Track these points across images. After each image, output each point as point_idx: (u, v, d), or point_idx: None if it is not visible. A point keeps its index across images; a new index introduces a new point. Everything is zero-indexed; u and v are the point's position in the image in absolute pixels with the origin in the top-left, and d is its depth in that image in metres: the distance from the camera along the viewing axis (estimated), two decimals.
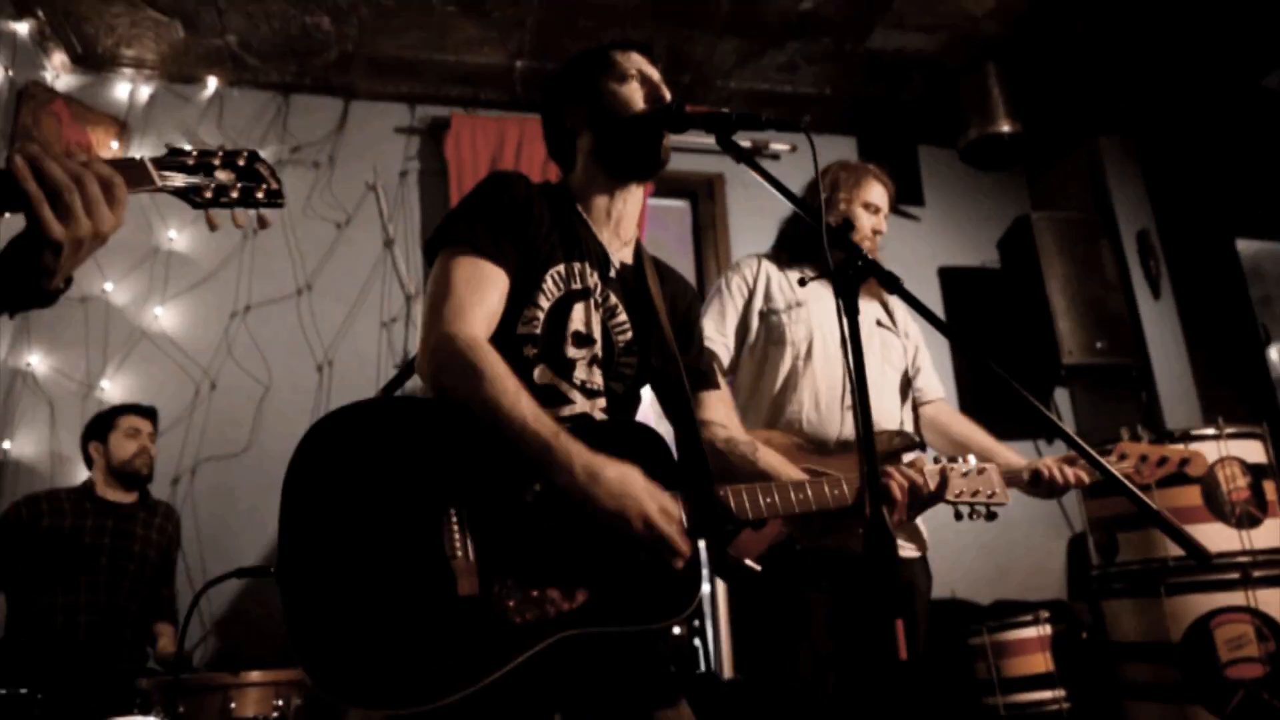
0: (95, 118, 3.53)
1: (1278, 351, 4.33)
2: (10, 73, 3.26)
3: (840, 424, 2.06)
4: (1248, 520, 2.96)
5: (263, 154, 0.99)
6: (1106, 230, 4.14)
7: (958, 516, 1.48)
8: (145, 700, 2.36)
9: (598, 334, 1.39)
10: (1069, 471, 1.88)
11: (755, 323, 2.18)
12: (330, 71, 3.75)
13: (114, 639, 2.77)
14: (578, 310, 1.38)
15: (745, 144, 3.99)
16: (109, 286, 3.45)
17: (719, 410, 1.55)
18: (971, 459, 1.49)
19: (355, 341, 3.63)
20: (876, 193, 2.24)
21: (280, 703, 2.40)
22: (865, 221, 2.22)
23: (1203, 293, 4.18)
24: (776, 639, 1.95)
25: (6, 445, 3.20)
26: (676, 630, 2.86)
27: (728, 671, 3.29)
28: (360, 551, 1.10)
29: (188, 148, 0.97)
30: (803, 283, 2.10)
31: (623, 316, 1.43)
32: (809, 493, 1.34)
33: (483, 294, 1.28)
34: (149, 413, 3.02)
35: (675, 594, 1.20)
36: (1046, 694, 3.12)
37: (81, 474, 3.02)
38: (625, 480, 1.15)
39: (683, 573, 1.21)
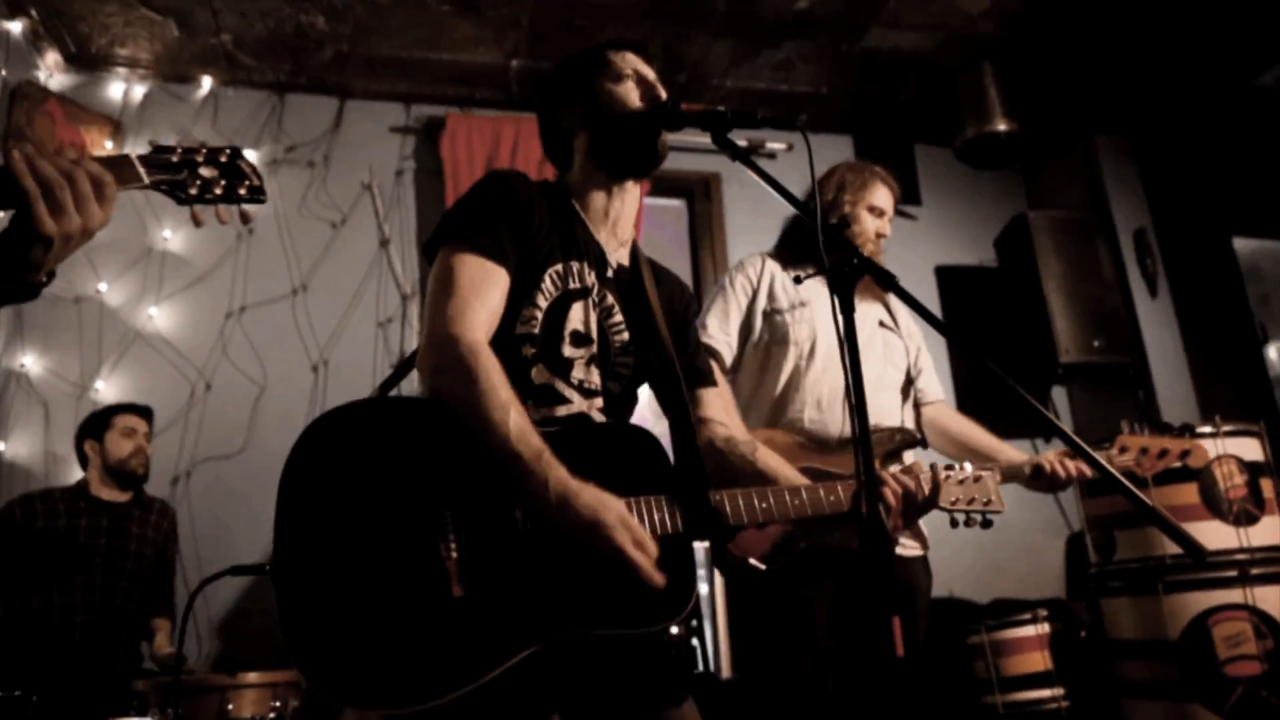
0: (89, 117, 3.51)
1: (1276, 350, 4.34)
2: (3, 72, 3.24)
3: (842, 423, 2.06)
4: (1245, 518, 2.96)
5: (258, 154, 1.00)
6: (1103, 229, 4.14)
7: (953, 524, 1.48)
8: (142, 702, 2.35)
9: (595, 334, 1.39)
10: (1070, 465, 1.89)
11: (759, 322, 2.17)
12: (325, 71, 3.74)
13: (110, 639, 2.76)
14: (575, 310, 1.38)
15: (741, 143, 3.98)
16: (103, 287, 3.44)
17: (717, 408, 1.55)
18: (968, 466, 1.49)
19: (351, 342, 3.62)
20: (881, 196, 2.24)
21: (278, 704, 2.40)
22: (869, 224, 2.21)
23: (1200, 291, 4.19)
24: (779, 637, 1.95)
25: (1, 447, 3.19)
26: (674, 630, 2.86)
27: (726, 671, 3.28)
28: (355, 551, 1.09)
29: (172, 144, 0.98)
30: (798, 280, 2.10)
31: (620, 316, 1.43)
32: (805, 498, 1.34)
33: (486, 294, 1.27)
34: (145, 412, 3.01)
35: (670, 597, 1.19)
36: (1045, 692, 3.12)
37: (76, 475, 3.00)
38: (598, 508, 1.13)
39: (677, 576, 1.21)
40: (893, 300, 2.30)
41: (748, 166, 1.35)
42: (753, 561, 1.85)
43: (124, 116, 3.61)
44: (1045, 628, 3.17)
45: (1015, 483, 1.98)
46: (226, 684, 2.39)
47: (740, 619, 3.05)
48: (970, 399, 3.85)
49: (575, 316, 1.37)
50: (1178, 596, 2.95)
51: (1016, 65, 3.88)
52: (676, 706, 1.32)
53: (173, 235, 3.55)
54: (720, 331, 2.16)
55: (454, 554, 1.12)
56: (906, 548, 2.07)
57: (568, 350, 1.36)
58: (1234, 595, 2.88)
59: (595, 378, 1.38)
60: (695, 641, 3.06)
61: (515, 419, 1.16)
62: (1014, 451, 2.12)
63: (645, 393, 1.52)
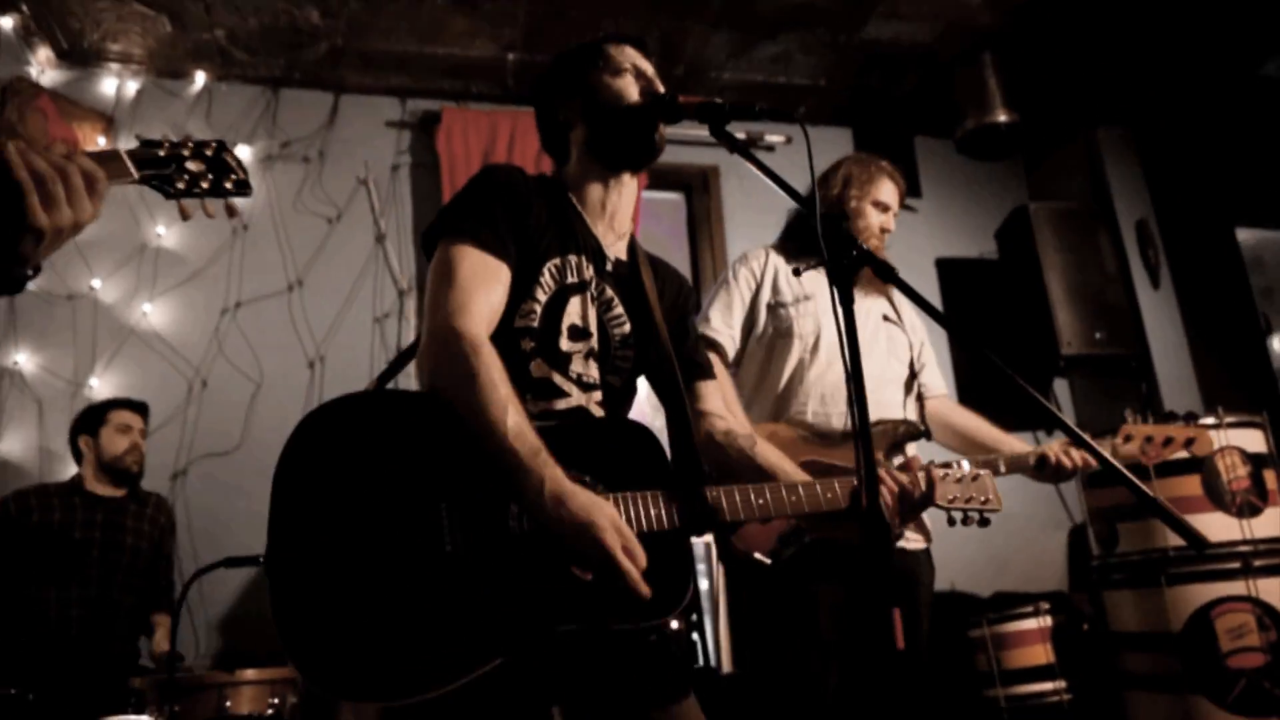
0: (82, 113, 3.49)
1: (1279, 341, 4.32)
2: None
3: (846, 417, 2.06)
4: (1248, 509, 2.95)
5: (252, 149, 1.02)
6: (1105, 220, 4.12)
7: (950, 522, 1.48)
8: (140, 699, 2.34)
9: (594, 327, 1.39)
10: (1076, 455, 1.89)
11: (763, 315, 2.16)
12: (320, 65, 3.72)
13: (106, 634, 2.76)
14: (573, 304, 1.38)
15: (740, 136, 3.96)
16: (96, 283, 3.42)
17: (716, 402, 1.55)
18: (965, 464, 1.50)
19: (347, 337, 3.61)
20: (887, 190, 2.23)
21: (275, 701, 2.40)
22: (874, 220, 2.20)
23: (1203, 282, 4.17)
24: (784, 631, 1.95)
25: None
26: (675, 625, 2.85)
27: (727, 666, 3.28)
28: (350, 543, 1.09)
29: (159, 139, 1.00)
30: (797, 273, 2.09)
31: (619, 310, 1.43)
32: (802, 495, 1.34)
33: (487, 288, 1.27)
34: (140, 408, 3.00)
35: (666, 592, 1.19)
36: (1047, 685, 3.11)
37: (70, 472, 2.99)
38: (592, 510, 1.12)
39: (673, 571, 1.20)
40: (896, 294, 2.29)
41: (746, 159, 1.34)
42: (758, 556, 1.84)
43: (117, 112, 3.59)
44: (1047, 620, 3.17)
45: (1021, 474, 1.97)
46: (224, 681, 2.40)
47: (741, 614, 3.04)
48: (971, 392, 3.84)
49: (573, 310, 1.37)
50: (1180, 589, 2.94)
51: (1017, 55, 3.85)
52: (678, 701, 1.33)
53: (166, 231, 3.53)
54: (723, 324, 2.15)
55: (448, 547, 1.12)
56: (910, 540, 2.06)
57: (565, 344, 1.36)
58: (1237, 587, 2.87)
59: (594, 371, 1.38)
60: (695, 636, 3.05)
61: (514, 416, 1.15)
62: (1018, 444, 2.11)
63: (644, 387, 1.51)
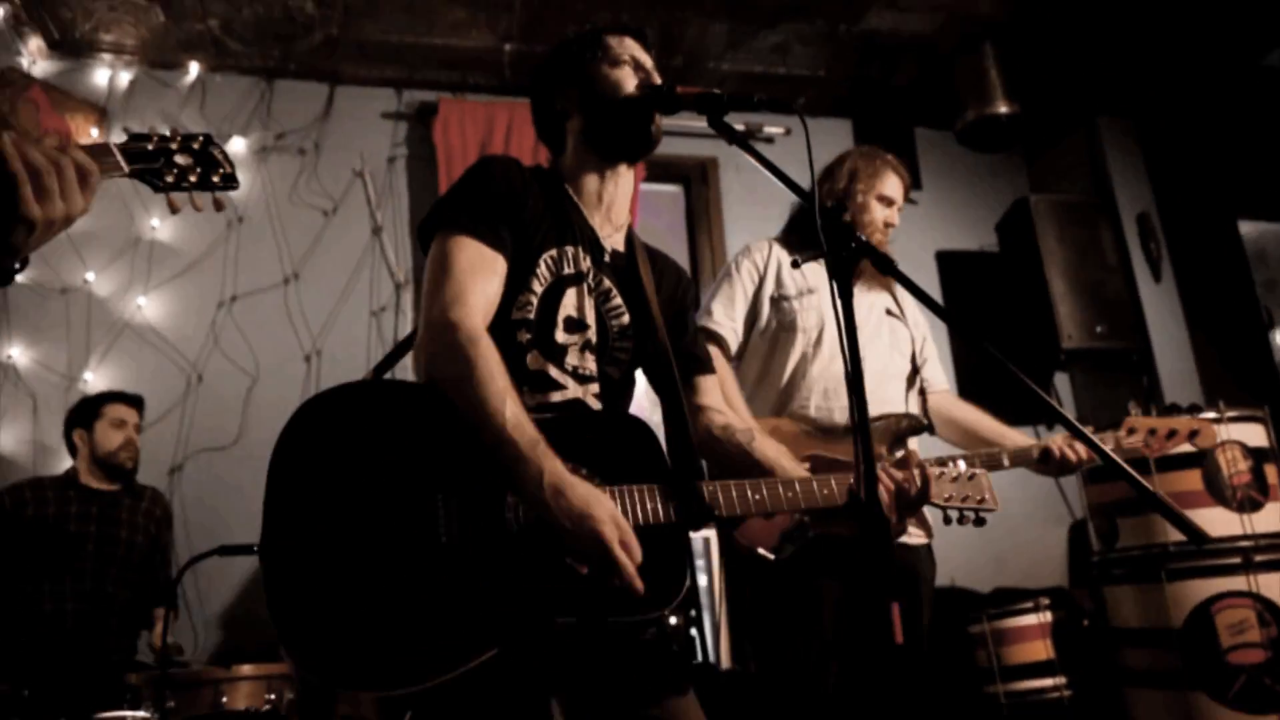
0: (74, 105, 3.46)
1: None
2: None
3: (849, 411, 2.04)
4: (1249, 504, 2.94)
5: (247, 141, 1.03)
6: (1106, 212, 4.10)
7: (946, 521, 1.48)
8: (135, 694, 2.33)
9: (591, 319, 1.38)
10: (1079, 448, 1.87)
11: (766, 308, 2.14)
12: (314, 56, 3.68)
13: (101, 628, 2.75)
14: (569, 295, 1.37)
15: (739, 127, 3.93)
16: (90, 277, 3.40)
17: (715, 395, 1.54)
18: (961, 464, 1.50)
19: (344, 331, 3.59)
20: (892, 185, 2.21)
21: (272, 696, 2.39)
22: (879, 214, 2.18)
23: (1205, 275, 4.15)
24: (787, 627, 1.94)
25: None
26: (673, 621, 2.84)
27: (725, 662, 3.27)
28: (345, 532, 1.09)
29: (146, 132, 1.01)
30: (796, 265, 2.07)
31: (618, 300, 1.42)
32: (798, 491, 1.33)
33: (484, 279, 1.27)
34: (136, 401, 2.98)
35: (661, 586, 1.19)
36: (1047, 681, 3.11)
37: (65, 466, 2.97)
38: (591, 502, 1.12)
39: (669, 566, 1.20)
40: (899, 288, 2.27)
41: (745, 151, 1.33)
42: (761, 551, 1.83)
43: (110, 104, 3.56)
44: (1047, 616, 3.16)
45: (1024, 467, 1.96)
46: (220, 676, 2.39)
47: (740, 610, 3.03)
48: (972, 385, 3.81)
49: (569, 302, 1.37)
50: (1181, 584, 2.93)
51: (1017, 46, 3.82)
52: (677, 697, 1.32)
53: (160, 224, 3.50)
54: (725, 317, 2.13)
55: (444, 538, 1.12)
56: (912, 536, 2.06)
57: (561, 336, 1.35)
58: (1237, 582, 2.86)
59: (590, 363, 1.37)
60: (694, 632, 3.04)
61: (511, 407, 1.15)
62: (1021, 438, 2.10)
63: (642, 380, 1.50)
